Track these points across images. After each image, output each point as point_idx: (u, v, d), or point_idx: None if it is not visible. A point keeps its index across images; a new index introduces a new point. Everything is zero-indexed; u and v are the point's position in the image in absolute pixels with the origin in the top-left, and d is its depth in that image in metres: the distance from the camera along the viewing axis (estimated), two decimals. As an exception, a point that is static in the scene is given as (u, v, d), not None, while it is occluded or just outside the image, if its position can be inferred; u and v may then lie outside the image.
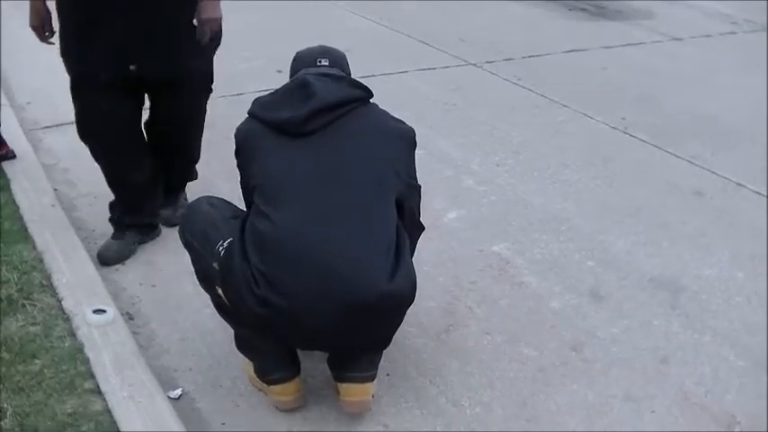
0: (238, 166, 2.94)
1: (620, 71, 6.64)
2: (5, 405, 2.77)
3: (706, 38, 7.55)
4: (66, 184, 4.49)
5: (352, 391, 2.85)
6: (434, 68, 6.35)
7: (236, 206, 3.03)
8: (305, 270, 2.61)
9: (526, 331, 3.42)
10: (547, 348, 3.33)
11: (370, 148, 2.82)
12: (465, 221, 4.22)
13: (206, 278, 2.91)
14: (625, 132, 5.44)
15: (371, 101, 2.94)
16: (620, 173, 4.87)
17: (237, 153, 2.93)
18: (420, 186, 3.02)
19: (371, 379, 2.87)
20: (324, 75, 2.89)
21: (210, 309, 3.33)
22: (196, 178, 4.18)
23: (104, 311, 3.21)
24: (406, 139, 2.93)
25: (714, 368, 3.26)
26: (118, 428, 2.70)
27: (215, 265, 2.78)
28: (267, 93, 2.96)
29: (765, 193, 4.68)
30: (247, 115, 2.92)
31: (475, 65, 6.55)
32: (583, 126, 5.54)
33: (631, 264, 3.94)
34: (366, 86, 2.92)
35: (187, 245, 2.98)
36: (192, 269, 3.01)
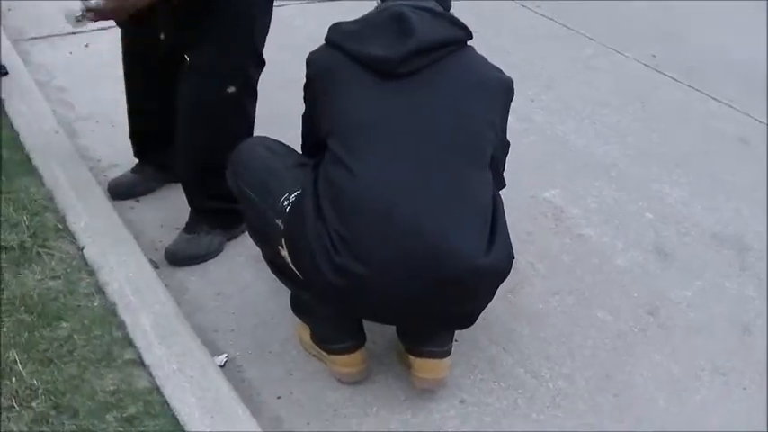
0: (307, 99, 2.61)
1: (641, 3, 6.35)
2: (35, 381, 2.42)
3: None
4: (63, 106, 4.14)
5: (429, 367, 2.59)
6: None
7: (298, 152, 2.71)
8: (391, 236, 2.29)
9: (596, 292, 3.20)
10: (621, 312, 3.12)
11: (469, 100, 2.48)
12: (510, 163, 3.91)
13: (264, 234, 2.61)
14: (657, 71, 5.20)
15: (469, 43, 2.61)
16: (660, 115, 4.64)
17: (309, 85, 2.57)
18: (509, 143, 2.73)
19: (448, 353, 2.62)
20: (421, 8, 2.52)
21: (245, 257, 3.09)
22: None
23: None
24: (505, 91, 2.60)
25: (799, 340, 3.07)
26: (171, 411, 2.37)
27: (278, 222, 2.47)
28: (349, 20, 2.61)
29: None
30: (326, 43, 2.56)
31: (490, -11, 6.23)
32: (613, 62, 5.29)
33: (690, 218, 3.73)
34: (466, 26, 2.57)
35: (240, 193, 2.65)
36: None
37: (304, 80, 2.61)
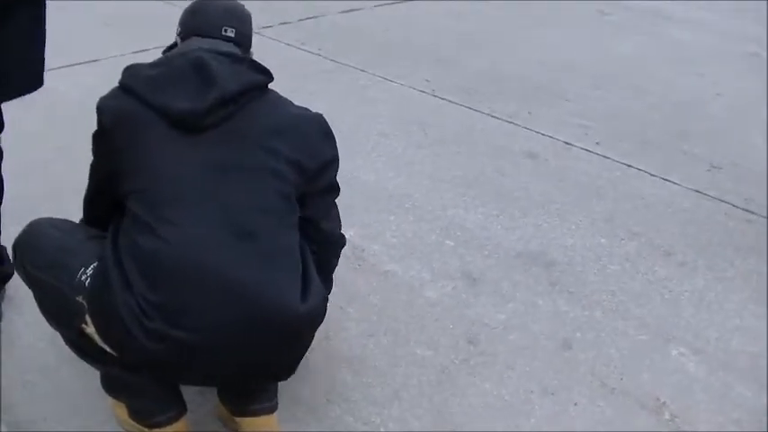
0: (100, 152, 2.48)
1: (406, 30, 6.53)
2: None
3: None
4: None
5: (261, 424, 2.54)
6: (209, 36, 5.96)
7: (87, 227, 2.60)
8: (209, 298, 2.23)
9: (411, 328, 3.21)
10: (440, 345, 3.14)
11: (274, 146, 2.43)
12: (302, 208, 3.93)
13: (63, 316, 2.47)
14: (434, 95, 5.32)
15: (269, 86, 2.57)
16: (444, 139, 4.75)
17: (103, 135, 2.43)
18: (338, 188, 2.72)
19: (276, 408, 2.58)
20: (222, 53, 2.46)
21: (46, 342, 2.95)
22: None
23: None
24: (315, 128, 2.58)
25: (618, 347, 3.19)
26: None
27: (79, 299, 2.35)
28: (144, 62, 2.49)
29: (596, 151, 4.69)
30: (120, 87, 2.43)
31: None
32: (387, 91, 5.39)
33: (491, 240, 3.81)
34: (267, 69, 2.53)
35: (31, 278, 2.51)
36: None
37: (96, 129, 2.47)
